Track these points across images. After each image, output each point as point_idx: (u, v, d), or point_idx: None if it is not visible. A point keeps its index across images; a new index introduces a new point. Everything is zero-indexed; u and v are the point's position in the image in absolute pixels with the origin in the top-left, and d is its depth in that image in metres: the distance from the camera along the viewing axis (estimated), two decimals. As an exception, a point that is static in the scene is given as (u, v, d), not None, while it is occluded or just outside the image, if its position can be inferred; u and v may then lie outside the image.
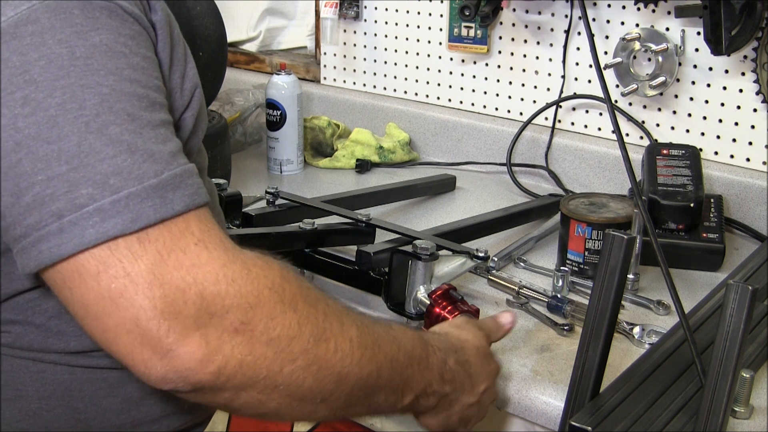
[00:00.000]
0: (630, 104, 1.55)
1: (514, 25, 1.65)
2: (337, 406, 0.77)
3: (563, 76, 1.61)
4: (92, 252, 0.66)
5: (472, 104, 1.74)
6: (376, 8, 1.82)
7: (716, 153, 1.47)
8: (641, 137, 1.54)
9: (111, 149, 0.67)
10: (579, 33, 1.58)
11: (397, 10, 1.79)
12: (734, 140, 1.45)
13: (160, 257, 0.67)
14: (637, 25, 1.50)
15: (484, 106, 1.73)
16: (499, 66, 1.69)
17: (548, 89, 1.64)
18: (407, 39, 1.80)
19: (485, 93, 1.72)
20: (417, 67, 1.80)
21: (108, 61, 0.70)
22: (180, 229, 0.69)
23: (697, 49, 1.45)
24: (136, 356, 0.67)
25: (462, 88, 1.75)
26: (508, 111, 1.70)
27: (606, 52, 1.55)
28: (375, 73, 1.86)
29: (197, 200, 0.70)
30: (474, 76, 1.73)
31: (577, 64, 1.59)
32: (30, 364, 0.79)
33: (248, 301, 0.69)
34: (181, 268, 0.67)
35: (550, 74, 1.63)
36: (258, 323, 0.69)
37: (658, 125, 1.53)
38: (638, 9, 1.48)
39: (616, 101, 1.55)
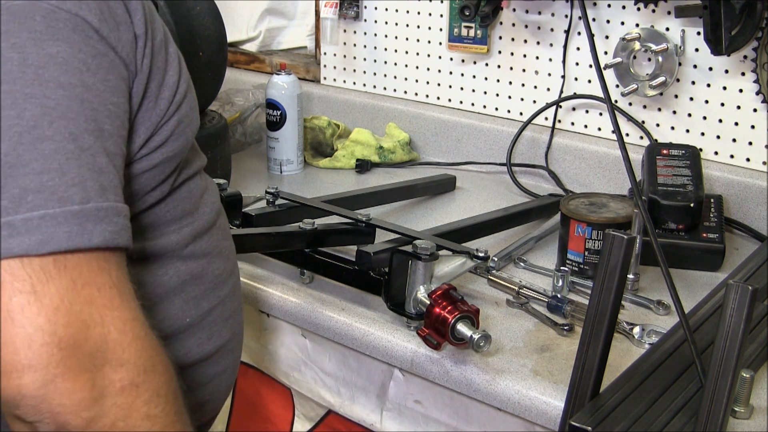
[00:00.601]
0: (630, 104, 1.55)
1: (514, 25, 1.65)
2: None
3: (563, 76, 1.61)
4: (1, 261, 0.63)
5: (472, 104, 1.74)
6: (376, 8, 1.82)
7: (716, 153, 1.47)
8: (641, 137, 1.54)
9: (39, 165, 0.65)
10: (579, 33, 1.58)
11: (397, 10, 1.79)
12: (734, 140, 1.45)
13: (73, 285, 0.64)
14: (637, 25, 1.50)
15: (484, 106, 1.73)
16: (499, 66, 1.69)
17: (548, 89, 1.64)
18: (407, 39, 1.80)
19: (485, 93, 1.72)
20: (417, 67, 1.80)
21: (61, 75, 0.67)
22: (99, 266, 0.66)
23: (697, 49, 1.45)
24: (12, 379, 0.63)
25: (462, 88, 1.75)
26: (508, 111, 1.70)
27: (606, 52, 1.55)
28: (375, 73, 1.86)
29: (118, 240, 0.68)
30: (474, 76, 1.73)
31: (577, 64, 1.59)
32: None
33: (145, 364, 0.67)
34: (91, 304, 0.65)
35: (550, 74, 1.63)
36: (144, 392, 0.67)
37: (658, 125, 1.53)
38: (638, 9, 1.48)
39: (616, 101, 1.55)
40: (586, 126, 1.62)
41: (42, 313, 0.62)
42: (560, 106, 1.63)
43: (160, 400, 0.68)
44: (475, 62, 1.72)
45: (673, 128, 1.51)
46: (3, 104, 0.65)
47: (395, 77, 1.83)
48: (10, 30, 0.66)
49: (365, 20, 1.84)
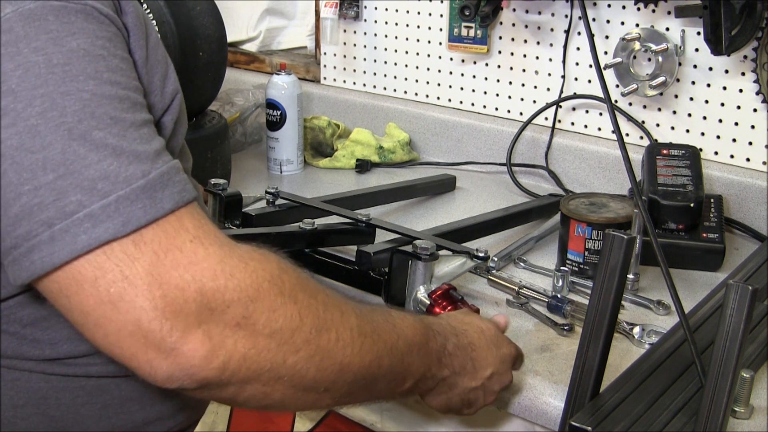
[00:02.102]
0: (630, 104, 1.55)
1: (514, 25, 1.65)
2: (340, 394, 0.77)
3: (563, 76, 1.61)
4: (87, 258, 0.66)
5: (472, 104, 1.74)
6: (376, 8, 1.82)
7: (716, 153, 1.47)
8: (641, 137, 1.54)
9: (96, 154, 0.67)
10: (579, 33, 1.58)
11: (397, 10, 1.79)
12: (734, 140, 1.45)
13: (156, 258, 0.67)
14: (637, 25, 1.50)
15: (484, 106, 1.73)
16: (499, 66, 1.69)
17: (548, 89, 1.64)
18: (407, 39, 1.80)
19: (485, 93, 1.72)
20: (417, 67, 1.80)
21: (87, 66, 0.70)
22: (174, 227, 0.69)
23: (697, 49, 1.45)
24: (141, 358, 0.67)
25: (462, 88, 1.75)
26: (508, 111, 1.70)
27: (606, 52, 1.55)
28: (375, 73, 1.86)
29: (186, 196, 0.70)
30: (474, 76, 1.73)
31: (577, 64, 1.59)
32: (4, 371, 0.78)
33: (248, 294, 0.69)
34: (178, 267, 0.67)
35: (550, 74, 1.63)
36: (259, 316, 0.70)
37: (658, 125, 1.53)
38: (638, 9, 1.48)
39: (616, 101, 1.55)
40: (586, 126, 1.62)
41: (139, 294, 0.65)
42: (560, 106, 1.63)
43: (277, 314, 0.71)
44: (475, 62, 1.72)
45: (673, 128, 1.51)
46: (43, 107, 0.67)
47: (395, 77, 1.83)
48: (28, 35, 0.68)
49: (365, 20, 1.84)
